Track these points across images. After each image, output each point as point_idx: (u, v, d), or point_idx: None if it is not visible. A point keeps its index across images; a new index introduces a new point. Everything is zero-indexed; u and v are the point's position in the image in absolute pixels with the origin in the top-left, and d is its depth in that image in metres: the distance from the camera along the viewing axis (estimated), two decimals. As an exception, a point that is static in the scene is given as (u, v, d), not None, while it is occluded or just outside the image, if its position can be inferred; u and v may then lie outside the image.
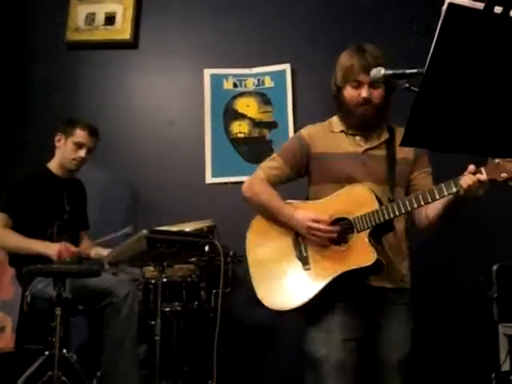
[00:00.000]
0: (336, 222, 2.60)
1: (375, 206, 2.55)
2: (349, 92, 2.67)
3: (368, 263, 2.48)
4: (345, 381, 2.52)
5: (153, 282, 3.45)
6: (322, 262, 2.60)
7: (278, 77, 4.44)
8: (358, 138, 2.75)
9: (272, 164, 2.83)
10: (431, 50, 1.28)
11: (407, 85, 2.23)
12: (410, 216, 2.73)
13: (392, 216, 2.50)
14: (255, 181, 2.83)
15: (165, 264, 3.15)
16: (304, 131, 2.85)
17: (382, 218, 2.51)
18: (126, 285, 3.35)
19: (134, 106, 4.61)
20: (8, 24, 4.69)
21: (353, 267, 2.51)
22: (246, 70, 4.50)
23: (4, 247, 3.62)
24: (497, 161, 2.34)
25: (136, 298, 3.36)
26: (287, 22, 4.48)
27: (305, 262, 2.63)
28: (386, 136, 2.74)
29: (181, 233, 3.23)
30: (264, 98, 4.47)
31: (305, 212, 2.64)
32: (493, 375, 3.39)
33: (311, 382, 2.66)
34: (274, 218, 2.73)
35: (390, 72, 2.30)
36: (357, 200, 2.61)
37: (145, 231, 2.87)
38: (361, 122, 2.69)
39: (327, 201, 2.68)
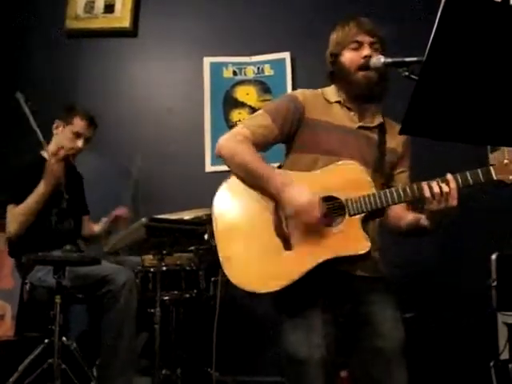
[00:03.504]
0: (326, 200, 2.34)
1: (371, 189, 2.36)
2: (348, 56, 2.50)
3: (362, 251, 2.29)
4: (327, 377, 2.29)
5: (152, 270, 3.43)
6: (307, 245, 2.31)
7: (278, 65, 4.44)
8: (352, 113, 2.56)
9: (259, 122, 2.48)
10: (431, 38, 1.28)
11: (407, 73, 2.24)
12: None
13: (390, 203, 2.33)
14: (238, 137, 2.44)
15: (164, 252, 3.15)
16: (298, 93, 2.57)
17: (379, 204, 2.32)
18: (124, 273, 3.33)
19: (133, 94, 4.61)
20: (7, 13, 4.68)
21: (344, 254, 2.30)
22: (245, 58, 4.50)
23: (20, 222, 3.49)
24: (505, 161, 2.27)
25: (135, 287, 3.33)
26: (287, 10, 4.47)
27: (286, 241, 2.32)
28: (379, 120, 2.59)
29: (180, 221, 3.23)
30: (264, 86, 4.47)
31: (301, 190, 2.30)
32: (491, 363, 3.40)
33: (292, 381, 2.37)
34: (256, 184, 2.38)
35: (390, 60, 2.29)
36: (351, 180, 2.39)
37: (144, 219, 2.87)
38: (363, 89, 2.48)
39: (318, 175, 2.41)
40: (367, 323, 2.38)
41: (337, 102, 2.56)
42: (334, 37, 2.58)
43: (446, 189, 2.24)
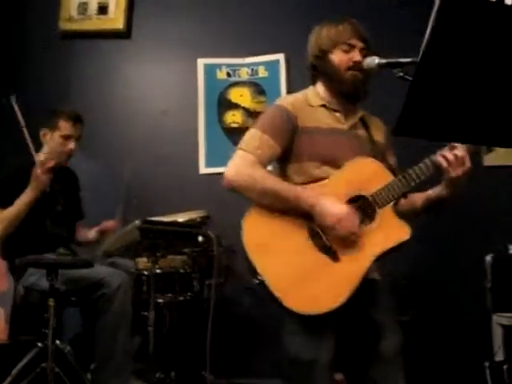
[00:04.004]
0: (351, 201, 2.32)
1: (390, 177, 2.37)
2: (338, 56, 2.47)
3: (406, 237, 2.29)
4: (330, 378, 2.32)
5: (146, 273, 3.41)
6: (353, 250, 2.27)
7: (272, 66, 4.42)
8: (338, 114, 2.53)
9: (260, 143, 2.39)
10: (426, 39, 1.27)
11: (401, 74, 2.23)
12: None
13: (413, 184, 2.33)
14: (247, 164, 2.36)
15: (158, 255, 3.14)
16: (285, 102, 2.51)
17: (403, 188, 2.33)
18: (119, 276, 3.31)
19: (127, 96, 4.59)
20: (1, 14, 4.65)
21: (390, 245, 2.28)
22: (239, 59, 4.48)
23: (5, 227, 3.43)
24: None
25: (129, 290, 3.31)
26: (281, 11, 4.46)
27: (332, 253, 2.26)
28: (360, 114, 2.57)
29: (174, 223, 3.21)
30: (258, 87, 4.45)
31: (334, 201, 2.27)
32: (486, 364, 3.40)
33: (295, 382, 2.36)
34: (284, 206, 2.29)
35: (385, 61, 2.27)
36: (367, 175, 2.38)
37: (137, 221, 2.85)
38: (351, 88, 2.46)
39: (334, 180, 2.36)
40: (369, 326, 2.38)
41: (321, 105, 2.53)
42: (326, 33, 2.53)
43: (460, 153, 2.30)
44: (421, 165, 2.34)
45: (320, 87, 2.58)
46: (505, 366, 3.33)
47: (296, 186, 2.35)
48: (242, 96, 4.44)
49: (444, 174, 2.36)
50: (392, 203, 2.34)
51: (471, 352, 3.73)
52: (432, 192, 2.52)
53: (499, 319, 3.47)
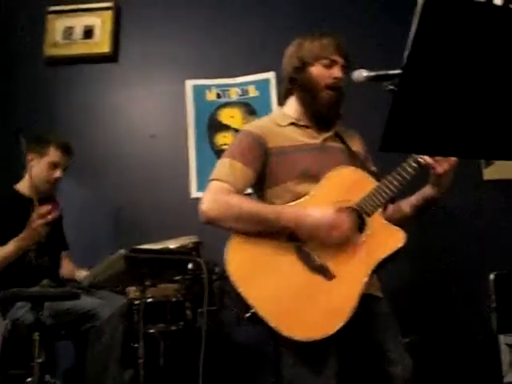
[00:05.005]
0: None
1: (372, 183, 2.29)
2: (319, 70, 2.43)
3: (401, 243, 2.19)
4: None
5: (136, 302, 3.29)
6: (347, 264, 2.16)
7: (263, 86, 4.33)
8: (309, 130, 2.48)
9: (232, 171, 2.32)
10: (408, 47, 1.17)
11: (391, 87, 2.13)
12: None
13: (399, 186, 2.24)
14: (220, 193, 2.27)
15: (147, 284, 3.01)
16: (252, 127, 2.48)
17: (389, 192, 2.24)
18: (108, 307, 3.21)
19: (114, 121, 4.50)
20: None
21: (386, 254, 2.18)
22: (229, 79, 4.39)
23: None
24: None
25: (120, 321, 3.20)
26: (270, 30, 4.38)
27: (325, 271, 2.15)
28: (335, 129, 2.52)
29: (162, 251, 3.09)
30: (249, 107, 4.35)
31: (320, 209, 2.16)
32: (496, 386, 3.30)
33: None
34: (263, 229, 2.18)
35: (373, 74, 2.17)
36: (348, 184, 2.30)
37: (123, 250, 2.71)
38: (324, 110, 2.43)
39: (316, 195, 2.28)
40: (377, 349, 2.26)
41: (290, 124, 2.47)
42: (309, 45, 2.49)
43: None
44: (404, 164, 2.26)
45: (290, 105, 2.53)
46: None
47: (275, 205, 2.27)
48: (232, 117, 4.33)
49: (430, 170, 2.29)
50: (380, 210, 2.25)
51: (479, 374, 3.61)
52: (420, 194, 2.44)
53: (508, 339, 3.34)
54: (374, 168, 2.58)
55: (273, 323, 2.07)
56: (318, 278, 2.15)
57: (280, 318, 2.07)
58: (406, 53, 1.18)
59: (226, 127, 4.32)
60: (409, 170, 2.24)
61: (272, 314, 2.08)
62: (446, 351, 3.79)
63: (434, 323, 3.80)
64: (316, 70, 2.44)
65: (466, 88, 1.26)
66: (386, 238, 2.21)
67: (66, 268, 3.74)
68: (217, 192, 2.29)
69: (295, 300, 2.12)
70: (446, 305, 3.81)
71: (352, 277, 2.15)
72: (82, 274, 3.66)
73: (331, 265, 2.16)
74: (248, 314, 2.12)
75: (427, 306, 3.77)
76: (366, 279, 2.15)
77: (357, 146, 2.58)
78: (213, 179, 2.34)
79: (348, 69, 2.41)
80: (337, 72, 2.43)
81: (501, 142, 1.35)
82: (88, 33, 4.52)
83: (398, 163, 2.27)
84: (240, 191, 2.32)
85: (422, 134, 1.30)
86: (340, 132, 2.55)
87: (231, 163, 2.35)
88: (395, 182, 2.25)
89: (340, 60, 2.45)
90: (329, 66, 2.44)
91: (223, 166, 2.37)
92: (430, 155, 2.17)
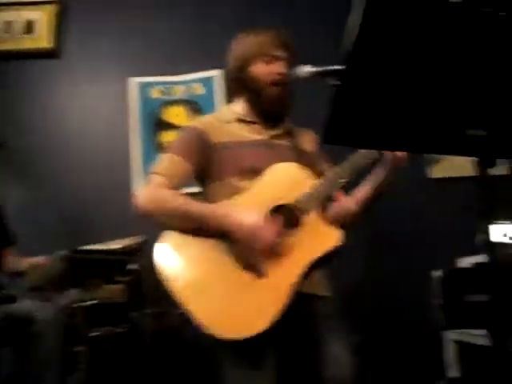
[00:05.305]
0: (275, 211, 2.19)
1: (313, 180, 2.26)
2: (259, 68, 2.40)
3: (335, 243, 2.13)
4: None
5: (77, 305, 3.20)
6: (278, 262, 2.11)
7: (209, 83, 4.27)
8: (256, 125, 2.45)
9: (171, 165, 2.32)
10: (353, 41, 1.17)
11: (336, 82, 2.10)
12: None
13: (339, 183, 2.23)
14: (155, 188, 2.26)
15: (89, 285, 2.94)
16: (195, 122, 2.47)
17: (329, 190, 2.22)
18: (47, 310, 3.11)
19: (56, 118, 4.37)
20: None
21: (320, 254, 2.11)
22: (174, 77, 4.32)
23: None
24: None
25: (60, 325, 3.09)
26: (216, 27, 4.33)
27: (256, 269, 2.09)
28: (286, 127, 2.50)
29: (103, 251, 3.02)
30: (194, 105, 4.28)
31: (247, 213, 2.12)
32: (440, 382, 3.31)
33: None
34: (196, 227, 2.15)
35: (316, 69, 2.15)
36: (288, 180, 2.27)
37: (62, 252, 2.65)
38: (270, 107, 2.41)
39: (254, 192, 2.24)
40: (315, 349, 2.20)
41: (236, 120, 2.44)
42: (248, 42, 2.45)
43: None
44: (345, 162, 2.25)
45: (237, 103, 2.49)
46: (459, 384, 3.25)
47: (208, 204, 2.23)
48: (177, 115, 4.26)
49: (378, 157, 2.30)
50: (318, 208, 2.21)
51: (422, 371, 3.64)
52: (364, 188, 2.42)
53: (454, 335, 3.36)
54: (325, 167, 2.52)
55: (202, 322, 2.01)
56: (249, 276, 2.09)
57: (209, 318, 2.01)
58: (345, 48, 1.19)
59: (171, 126, 4.25)
60: (353, 161, 2.24)
61: (201, 313, 2.02)
62: (390, 349, 3.81)
63: (379, 322, 3.81)
64: (257, 68, 2.41)
65: (406, 82, 1.25)
66: (321, 238, 2.17)
67: (10, 262, 3.63)
68: (151, 186, 2.28)
69: (224, 299, 2.06)
70: (391, 303, 3.81)
71: (283, 276, 2.09)
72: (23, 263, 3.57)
73: (263, 263, 2.11)
74: (180, 311, 2.07)
75: (372, 305, 3.77)
76: (296, 279, 2.09)
77: (309, 144, 2.55)
78: (151, 173, 2.32)
79: (295, 64, 2.35)
80: (279, 67, 2.39)
81: (441, 137, 1.34)
82: (29, 27, 4.40)
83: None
84: (178, 185, 2.30)
85: (362, 128, 1.28)
86: (291, 130, 2.52)
87: (171, 157, 2.34)
88: (335, 180, 2.23)
89: (283, 55, 2.41)
90: (270, 62, 2.41)
91: (163, 160, 2.36)
92: (371, 148, 2.16)
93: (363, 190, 2.43)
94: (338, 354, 2.21)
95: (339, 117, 1.26)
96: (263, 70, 2.39)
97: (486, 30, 1.15)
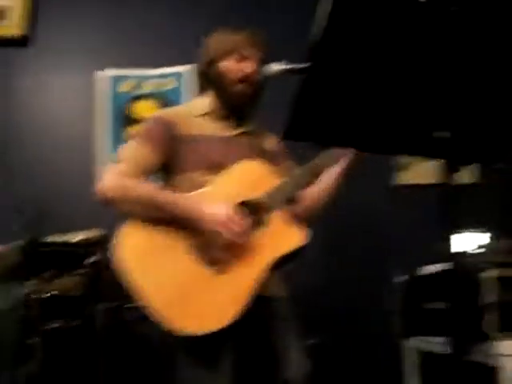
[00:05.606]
0: (237, 209, 2.17)
1: (277, 178, 2.26)
2: (229, 64, 2.40)
3: (300, 243, 2.14)
4: None
5: (33, 297, 3.15)
6: (240, 259, 2.10)
7: (181, 78, 4.22)
8: (224, 122, 2.45)
9: (135, 153, 2.29)
10: (318, 36, 1.17)
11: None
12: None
13: (300, 187, 2.27)
14: (120, 174, 2.22)
15: (45, 277, 2.89)
16: (163, 113, 2.50)
17: (295, 188, 2.25)
18: (2, 300, 3.07)
19: (21, 108, 4.30)
20: None
21: (283, 253, 2.12)
22: (144, 71, 4.26)
23: None
24: None
25: (15, 315, 3.06)
26: (189, 20, 4.29)
27: (217, 265, 2.09)
28: (251, 126, 2.51)
29: (61, 244, 2.97)
30: (164, 100, 4.21)
31: (218, 204, 2.11)
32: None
33: None
34: (160, 216, 2.13)
35: (288, 67, 2.12)
36: (252, 178, 2.27)
37: (20, 242, 2.59)
38: (237, 103, 2.41)
39: (219, 186, 2.24)
40: (271, 351, 2.21)
41: (206, 113, 2.44)
42: (221, 39, 2.46)
43: None
44: (311, 162, 2.28)
45: (208, 97, 2.48)
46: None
47: (173, 193, 2.21)
48: (146, 110, 4.19)
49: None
50: (282, 207, 2.21)
51: (381, 378, 3.64)
52: (329, 175, 2.41)
53: (414, 343, 3.35)
54: (286, 162, 2.55)
55: (156, 314, 2.00)
56: (209, 272, 2.09)
57: (164, 311, 1.99)
58: (312, 42, 1.18)
59: (139, 120, 4.17)
60: (318, 159, 2.27)
61: (156, 306, 2.01)
62: (349, 354, 3.80)
63: (338, 326, 3.79)
64: (226, 65, 2.41)
65: (371, 80, 1.24)
66: (284, 237, 2.17)
67: None
68: (114, 173, 2.25)
69: (182, 293, 2.05)
70: (351, 308, 3.80)
71: (245, 274, 2.10)
72: None
73: (224, 259, 2.11)
74: (131, 304, 2.04)
75: (332, 308, 3.76)
76: (257, 277, 2.09)
77: (270, 143, 2.56)
78: (115, 160, 2.31)
79: (266, 61, 2.32)
80: (248, 67, 2.40)
81: (406, 138, 1.33)
82: (2, 14, 4.32)
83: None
84: (141, 175, 2.26)
85: (324, 125, 1.27)
86: (255, 129, 2.54)
87: (135, 146, 2.31)
88: (300, 179, 2.25)
89: (254, 54, 2.42)
90: (240, 60, 2.41)
91: (128, 148, 2.35)
92: (330, 146, 2.17)
93: (323, 185, 2.43)
94: (295, 355, 2.23)
95: (301, 112, 1.25)
96: (233, 67, 2.40)
97: (455, 28, 1.14)
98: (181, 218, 2.13)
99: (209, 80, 2.47)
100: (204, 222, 2.09)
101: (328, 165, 2.30)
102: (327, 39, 1.17)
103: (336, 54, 1.19)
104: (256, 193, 2.22)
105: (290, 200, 2.29)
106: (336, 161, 2.32)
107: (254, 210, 2.20)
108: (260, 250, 2.13)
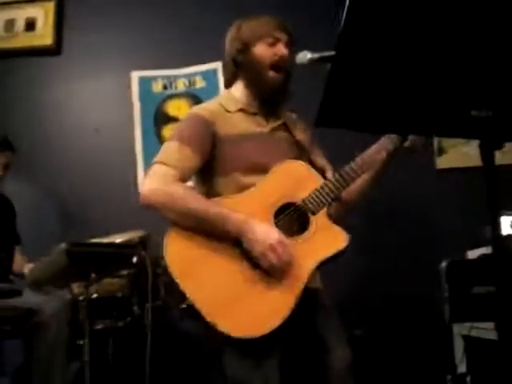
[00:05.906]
0: (282, 210, 2.18)
1: (319, 179, 2.25)
2: (262, 49, 2.35)
3: (343, 244, 2.13)
4: None
5: (80, 298, 3.18)
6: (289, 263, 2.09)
7: (210, 76, 4.24)
8: (257, 117, 2.40)
9: (178, 155, 2.19)
10: (342, 25, 1.17)
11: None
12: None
13: (344, 188, 2.22)
14: (165, 181, 2.14)
15: (91, 279, 2.91)
16: (201, 111, 2.35)
17: (336, 191, 2.20)
18: (52, 303, 3.14)
19: (57, 115, 4.38)
20: None
21: (328, 255, 2.12)
22: (175, 70, 4.29)
23: None
24: None
25: (64, 317, 3.15)
26: (216, 19, 4.27)
27: (266, 271, 2.08)
28: (283, 118, 2.46)
29: (104, 245, 2.99)
30: (196, 99, 4.23)
31: (271, 227, 2.10)
32: (449, 377, 3.26)
33: None
34: (208, 228, 2.09)
35: (317, 55, 2.11)
36: (295, 179, 2.24)
37: (63, 245, 2.60)
38: (270, 92, 2.35)
39: (260, 189, 2.20)
40: (316, 341, 2.22)
41: (239, 110, 2.39)
42: (248, 25, 2.42)
43: None
44: (351, 163, 2.26)
45: (237, 89, 2.44)
46: (468, 378, 3.19)
47: (222, 208, 2.13)
48: (179, 109, 4.24)
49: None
50: (325, 208, 2.19)
51: (432, 366, 3.59)
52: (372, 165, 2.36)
53: (460, 329, 3.31)
54: (323, 160, 2.51)
55: (208, 317, 2.00)
56: (258, 275, 2.08)
57: (216, 313, 2.00)
58: (340, 31, 1.17)
59: (173, 119, 4.22)
60: (359, 162, 2.26)
61: (208, 308, 2.01)
62: (395, 344, 3.76)
63: (386, 316, 3.76)
64: (259, 50, 2.36)
65: (402, 62, 1.23)
66: (328, 239, 2.16)
67: (16, 263, 3.63)
68: (161, 177, 2.16)
69: (233, 296, 2.05)
70: (398, 297, 3.77)
71: (291, 276, 2.09)
72: (29, 268, 3.56)
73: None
74: (183, 306, 2.05)
75: (378, 299, 3.73)
76: (306, 279, 2.10)
77: (301, 133, 2.50)
78: (158, 162, 2.22)
79: (293, 48, 2.33)
80: (281, 49, 2.36)
81: (443, 119, 1.31)
82: (30, 25, 4.39)
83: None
84: (185, 179, 2.22)
85: (356, 110, 1.26)
86: (287, 120, 2.49)
87: (179, 148, 2.22)
88: (342, 181, 2.23)
89: (283, 37, 2.38)
90: (272, 44, 2.37)
91: (171, 149, 2.25)
92: (364, 131, 2.14)
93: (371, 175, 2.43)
94: (339, 342, 2.24)
95: (333, 98, 1.24)
96: (266, 52, 2.35)
97: (486, 3, 1.12)
98: (232, 234, 2.09)
99: (240, 68, 2.42)
100: (256, 244, 2.06)
101: (373, 162, 2.29)
102: (357, 23, 1.15)
103: (367, 37, 1.18)
104: (298, 195, 2.21)
105: (333, 201, 2.26)
106: (380, 156, 2.29)
107: (296, 214, 2.20)
108: (305, 253, 2.13)
